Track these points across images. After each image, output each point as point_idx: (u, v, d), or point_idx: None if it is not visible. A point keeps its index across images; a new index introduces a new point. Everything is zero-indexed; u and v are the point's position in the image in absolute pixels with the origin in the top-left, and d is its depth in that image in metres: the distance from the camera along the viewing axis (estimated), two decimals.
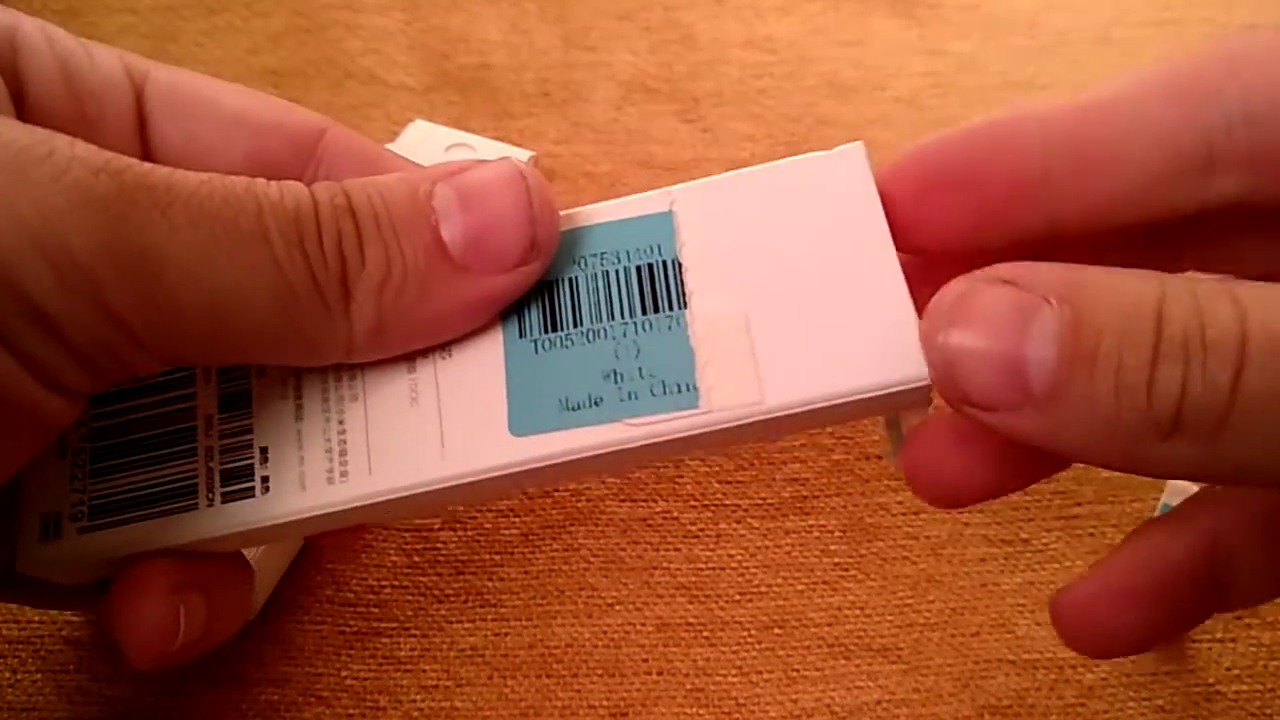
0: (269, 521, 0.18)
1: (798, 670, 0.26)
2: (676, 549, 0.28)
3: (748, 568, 0.28)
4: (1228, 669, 0.26)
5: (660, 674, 0.26)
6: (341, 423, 0.18)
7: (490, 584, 0.27)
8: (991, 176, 0.17)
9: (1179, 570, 0.17)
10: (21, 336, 0.15)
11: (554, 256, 0.18)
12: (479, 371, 0.18)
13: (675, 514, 0.28)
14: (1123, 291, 0.14)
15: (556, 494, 0.29)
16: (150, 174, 0.16)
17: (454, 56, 0.39)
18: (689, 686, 0.26)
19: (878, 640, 0.27)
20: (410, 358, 0.18)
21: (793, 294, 0.18)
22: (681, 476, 0.29)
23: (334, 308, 0.17)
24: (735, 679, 0.26)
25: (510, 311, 0.18)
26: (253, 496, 0.18)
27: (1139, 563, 0.18)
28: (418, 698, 0.26)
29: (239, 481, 0.18)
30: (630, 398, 0.17)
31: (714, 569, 0.28)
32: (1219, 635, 0.27)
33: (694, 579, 0.28)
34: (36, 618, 0.26)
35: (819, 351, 0.17)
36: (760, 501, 0.29)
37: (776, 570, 0.28)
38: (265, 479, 0.18)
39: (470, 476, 0.18)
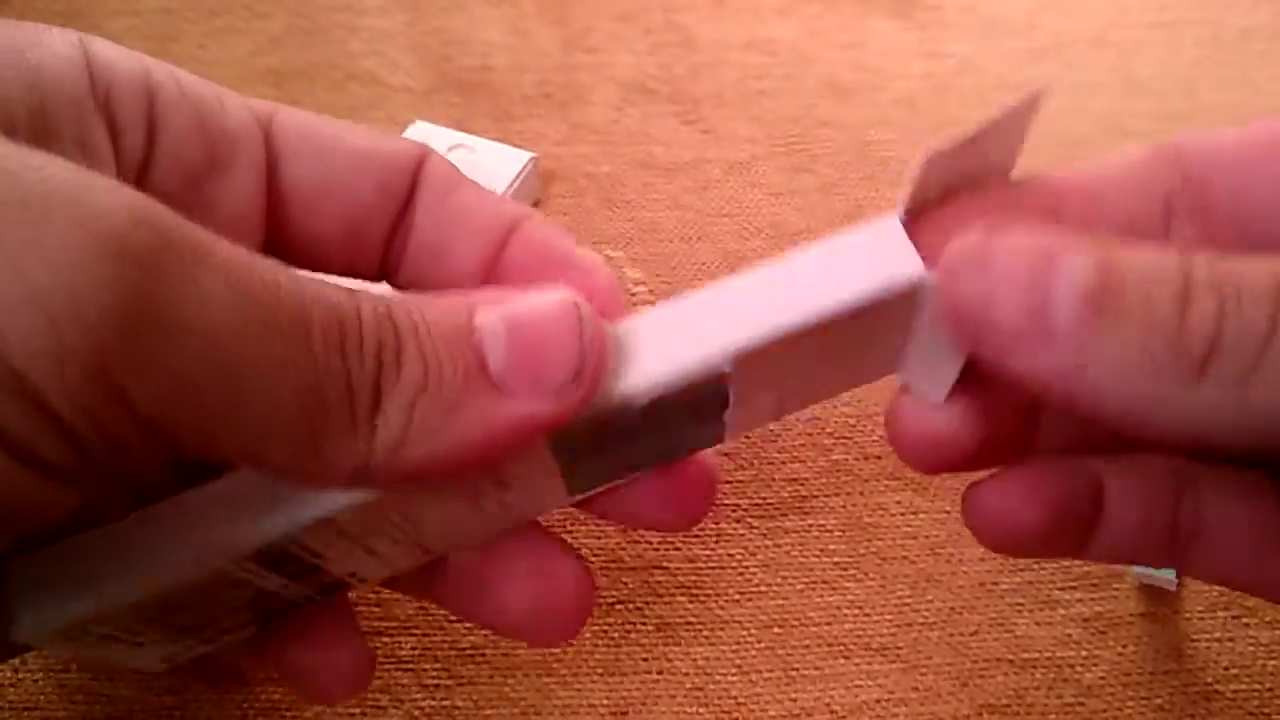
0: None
1: (797, 669, 0.26)
2: (676, 548, 0.28)
3: (747, 567, 0.28)
4: (1226, 668, 0.26)
5: (660, 673, 0.26)
6: (419, 544, 0.19)
7: None
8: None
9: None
10: None
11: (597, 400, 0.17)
12: (538, 485, 0.19)
13: None
14: (1148, 250, 0.15)
15: None
16: (195, 233, 0.15)
17: (455, 58, 0.39)
18: (689, 686, 0.26)
19: (876, 639, 0.27)
20: (471, 500, 0.18)
21: (818, 373, 0.19)
22: None
23: (360, 418, 0.16)
24: (735, 678, 0.26)
25: (565, 455, 0.18)
26: (351, 587, 0.20)
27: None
28: (419, 696, 0.26)
29: (336, 588, 0.20)
30: (667, 458, 0.20)
31: (714, 568, 0.28)
32: (1217, 635, 0.27)
33: (694, 578, 0.28)
34: None
35: (820, 385, 0.19)
36: (760, 501, 0.29)
37: (776, 569, 0.28)
38: (362, 579, 0.20)
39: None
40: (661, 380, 0.17)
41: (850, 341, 0.17)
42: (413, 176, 0.21)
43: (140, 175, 0.18)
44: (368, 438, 0.16)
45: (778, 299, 0.17)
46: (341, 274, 0.21)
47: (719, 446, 0.20)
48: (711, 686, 0.26)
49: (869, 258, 0.16)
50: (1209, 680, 0.26)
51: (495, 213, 0.21)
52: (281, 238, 0.21)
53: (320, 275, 0.19)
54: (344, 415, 0.15)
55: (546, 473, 0.18)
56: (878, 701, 0.26)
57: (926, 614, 0.27)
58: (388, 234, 0.21)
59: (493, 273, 0.21)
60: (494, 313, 0.16)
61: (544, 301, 0.17)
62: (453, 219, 0.21)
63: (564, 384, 0.16)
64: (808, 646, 0.27)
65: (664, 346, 0.17)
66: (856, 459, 0.29)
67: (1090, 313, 0.14)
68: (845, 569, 0.28)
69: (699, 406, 0.18)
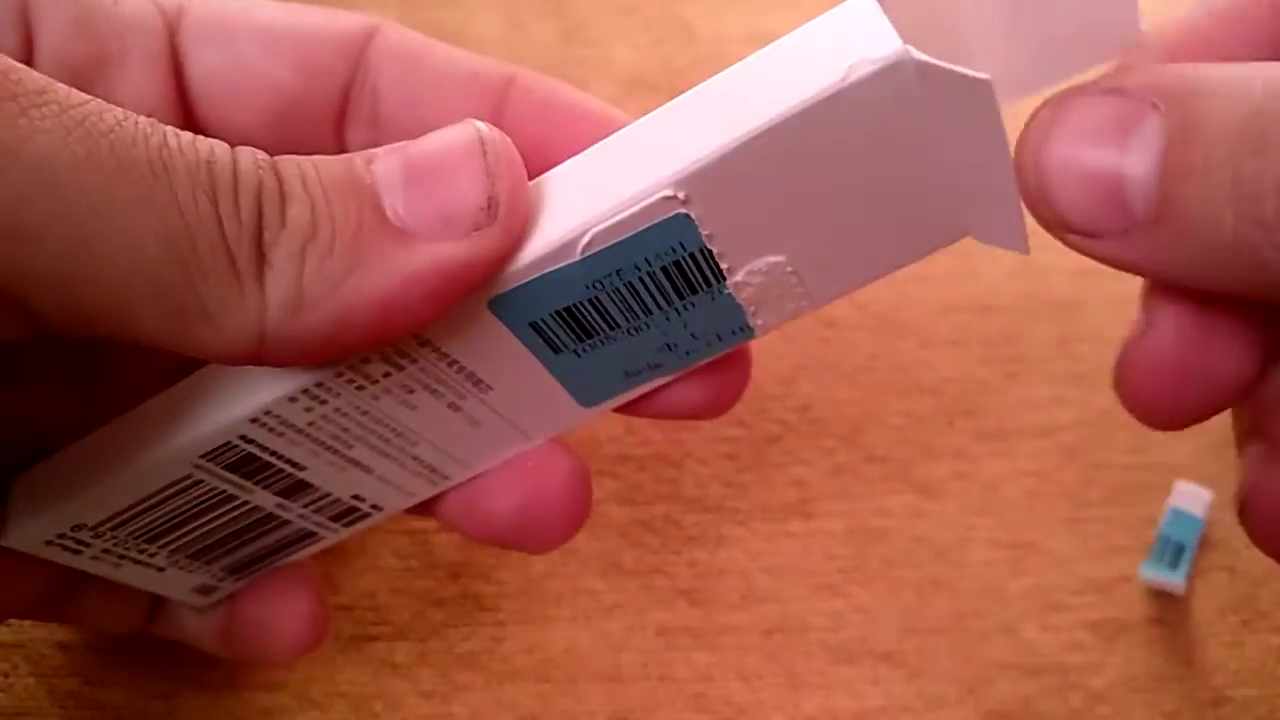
0: (391, 515, 0.21)
1: (800, 676, 0.26)
2: (677, 553, 0.28)
3: (749, 572, 0.27)
4: (1235, 673, 0.26)
5: (661, 680, 0.26)
6: (416, 458, 0.19)
7: (488, 588, 0.27)
8: None
9: None
10: None
11: (550, 264, 0.15)
12: (528, 386, 0.17)
13: (676, 517, 0.28)
14: (1247, 90, 0.13)
15: None
16: (16, 68, 0.13)
17: None
18: (690, 692, 0.26)
19: (881, 645, 0.26)
20: (449, 401, 0.17)
21: (835, 221, 0.15)
22: (682, 479, 0.28)
23: (244, 271, 0.14)
24: (737, 685, 0.26)
25: (534, 340, 0.16)
26: (370, 515, 0.20)
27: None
28: (414, 703, 0.26)
29: (352, 515, 0.20)
30: (689, 354, 0.17)
31: (715, 573, 0.27)
32: (1227, 639, 0.26)
33: (695, 583, 0.27)
34: (29, 621, 0.26)
35: (858, 248, 0.16)
36: (762, 505, 0.28)
37: (778, 574, 0.27)
38: (375, 505, 0.20)
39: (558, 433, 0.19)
40: (599, 213, 0.15)
41: (851, 172, 0.14)
42: (356, 51, 0.19)
43: None
44: (257, 296, 0.14)
45: (729, 110, 0.14)
46: None
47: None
48: (713, 693, 0.26)
49: (834, 46, 0.14)
50: (1218, 685, 0.26)
51: (479, 71, 0.18)
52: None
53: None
54: (222, 269, 0.13)
55: (529, 370, 0.17)
56: (883, 709, 0.26)
57: (932, 620, 0.27)
58: (335, 118, 0.19)
59: None
60: (391, 156, 0.15)
61: (442, 135, 0.15)
62: (428, 88, 0.19)
63: (475, 217, 0.14)
64: (811, 653, 0.26)
65: (601, 181, 0.15)
66: (861, 462, 0.29)
67: (1168, 198, 0.13)
68: (849, 574, 0.27)
69: (680, 271, 0.15)
